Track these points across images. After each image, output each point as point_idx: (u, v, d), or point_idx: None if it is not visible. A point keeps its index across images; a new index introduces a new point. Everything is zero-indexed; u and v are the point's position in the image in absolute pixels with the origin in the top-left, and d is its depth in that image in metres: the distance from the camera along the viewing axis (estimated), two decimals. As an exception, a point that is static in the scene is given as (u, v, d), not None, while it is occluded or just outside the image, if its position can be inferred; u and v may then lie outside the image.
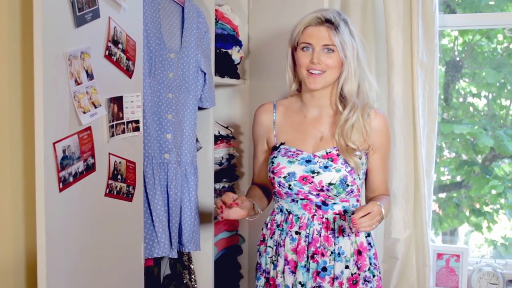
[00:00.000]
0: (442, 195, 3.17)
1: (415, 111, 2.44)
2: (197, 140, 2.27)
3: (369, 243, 1.98)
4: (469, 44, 3.11)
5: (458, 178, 3.16)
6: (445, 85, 3.07)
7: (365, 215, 1.75)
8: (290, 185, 1.93)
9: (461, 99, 3.15)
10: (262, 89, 2.66)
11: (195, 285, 2.34)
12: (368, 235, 1.99)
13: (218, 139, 2.51)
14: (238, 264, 2.75)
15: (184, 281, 2.31)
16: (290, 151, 1.96)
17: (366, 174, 2.02)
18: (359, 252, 1.94)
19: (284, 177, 1.93)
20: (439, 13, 2.50)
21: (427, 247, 2.47)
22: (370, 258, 1.96)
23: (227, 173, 2.60)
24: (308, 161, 1.92)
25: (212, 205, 2.37)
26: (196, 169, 2.21)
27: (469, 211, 3.19)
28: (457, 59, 3.11)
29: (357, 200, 1.99)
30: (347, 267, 1.92)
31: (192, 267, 2.34)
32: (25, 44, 1.49)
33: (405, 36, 2.46)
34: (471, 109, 3.15)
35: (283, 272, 1.97)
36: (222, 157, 2.54)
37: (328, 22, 1.90)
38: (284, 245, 1.96)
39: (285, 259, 1.96)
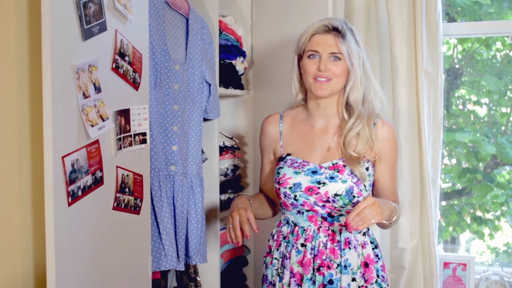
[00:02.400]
0: (443, 203, 3.16)
1: (420, 120, 2.45)
2: (202, 152, 2.26)
3: (377, 255, 1.96)
4: (469, 51, 3.12)
5: (459, 186, 3.16)
6: (445, 93, 3.07)
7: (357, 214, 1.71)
8: (295, 196, 1.92)
9: (461, 107, 3.15)
10: (266, 99, 2.66)
11: (202, 298, 2.33)
12: (376, 247, 1.97)
13: (223, 150, 2.50)
14: (243, 276, 2.73)
15: (191, 294, 2.30)
16: (296, 162, 1.95)
17: (374, 185, 2.01)
18: (366, 265, 1.92)
19: (290, 188, 1.92)
20: (442, 21, 2.51)
21: (434, 256, 2.46)
22: (377, 270, 1.94)
23: (232, 184, 2.59)
24: (314, 172, 1.91)
25: (218, 217, 2.36)
26: (202, 180, 2.20)
27: (471, 219, 3.19)
28: (457, 66, 3.12)
29: None
30: (354, 279, 1.90)
31: (198, 279, 2.33)
32: (33, 57, 1.49)
33: (409, 45, 2.47)
34: (471, 116, 3.15)
35: (289, 285, 1.95)
36: (227, 168, 2.53)
37: (335, 30, 1.91)
38: (290, 257, 1.95)
39: (291, 272, 1.94)
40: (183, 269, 2.08)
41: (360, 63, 1.91)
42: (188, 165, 2.13)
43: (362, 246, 1.92)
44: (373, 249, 1.95)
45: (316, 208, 1.91)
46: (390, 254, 2.55)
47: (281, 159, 1.99)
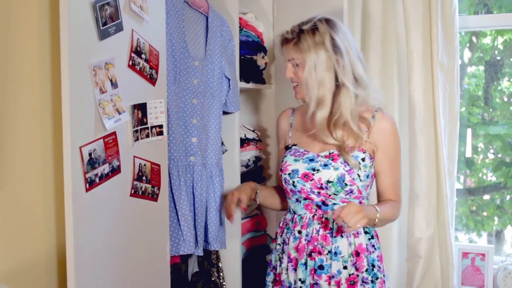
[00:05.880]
0: (487, 196, 3.15)
1: (436, 113, 2.48)
2: (222, 143, 2.36)
3: (373, 245, 2.01)
4: (510, 43, 3.09)
5: (504, 180, 3.13)
6: (485, 85, 3.06)
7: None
8: (293, 182, 2.02)
9: (505, 98, 3.12)
10: (287, 93, 2.71)
11: (223, 283, 2.43)
12: (372, 237, 2.02)
13: (245, 142, 2.60)
14: (266, 263, 2.82)
15: (212, 279, 2.40)
16: (298, 151, 2.06)
17: (376, 178, 2.07)
18: (357, 254, 1.98)
19: (289, 174, 2.02)
20: (460, 14, 2.54)
21: (450, 246, 2.50)
22: (373, 260, 1.98)
23: (254, 174, 2.68)
24: (311, 160, 2.01)
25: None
26: (222, 171, 2.30)
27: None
28: (498, 58, 3.10)
29: (360, 203, 2.01)
30: (345, 267, 1.97)
31: (220, 265, 2.43)
32: (54, 57, 1.62)
33: (425, 38, 2.50)
34: (511, 108, 3.13)
35: (287, 269, 2.06)
36: (249, 160, 2.62)
37: (286, 40, 2.01)
38: (288, 243, 2.05)
39: (288, 257, 2.05)
40: (201, 254, 2.19)
41: (317, 62, 1.94)
42: (208, 156, 2.24)
43: (355, 236, 1.99)
44: (369, 239, 2.00)
45: (312, 196, 2.00)
46: (407, 243, 2.60)
47: (287, 148, 2.10)
